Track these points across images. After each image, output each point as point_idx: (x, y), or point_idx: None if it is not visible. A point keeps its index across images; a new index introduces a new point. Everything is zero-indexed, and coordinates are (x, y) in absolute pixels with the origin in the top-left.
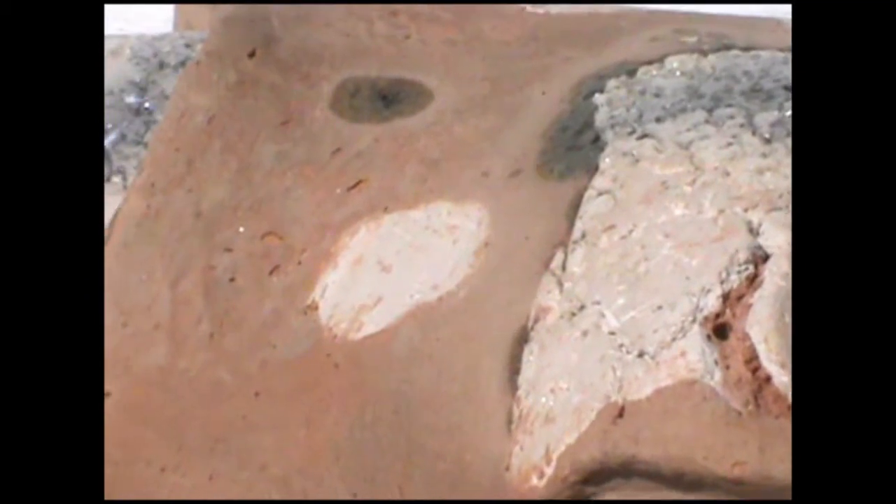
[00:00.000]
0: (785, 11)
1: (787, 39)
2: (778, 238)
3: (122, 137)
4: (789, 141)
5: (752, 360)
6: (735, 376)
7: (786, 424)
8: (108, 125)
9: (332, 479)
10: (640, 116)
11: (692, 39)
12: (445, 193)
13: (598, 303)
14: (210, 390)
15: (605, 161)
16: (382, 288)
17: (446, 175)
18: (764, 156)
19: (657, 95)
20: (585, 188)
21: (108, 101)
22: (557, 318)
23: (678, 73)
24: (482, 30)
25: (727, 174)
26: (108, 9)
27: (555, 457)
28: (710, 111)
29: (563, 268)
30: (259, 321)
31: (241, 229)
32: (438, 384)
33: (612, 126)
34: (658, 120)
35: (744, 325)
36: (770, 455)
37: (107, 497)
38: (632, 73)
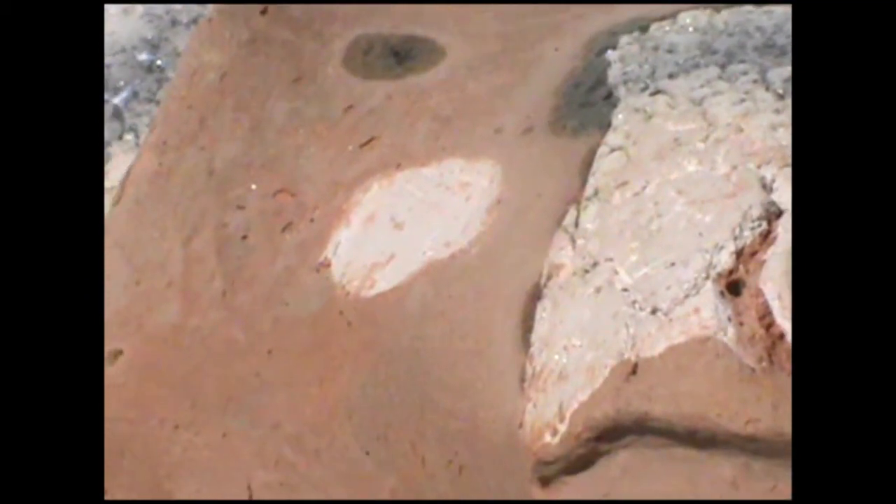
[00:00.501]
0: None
1: None
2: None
3: (135, 95)
4: None
5: (766, 317)
6: (748, 333)
7: None
8: (120, 82)
9: (344, 437)
10: (653, 72)
11: None
12: (458, 150)
13: (610, 259)
14: (223, 348)
15: (618, 117)
16: (395, 245)
17: (459, 132)
18: (777, 111)
19: (670, 51)
20: (598, 145)
21: (120, 58)
22: (570, 275)
23: (691, 28)
24: None
25: (740, 130)
26: None
27: (568, 414)
28: (722, 67)
29: (576, 224)
30: (271, 279)
31: (254, 187)
32: (451, 341)
33: (625, 82)
34: (671, 76)
35: (757, 282)
36: (783, 412)
37: (121, 454)
38: (644, 29)
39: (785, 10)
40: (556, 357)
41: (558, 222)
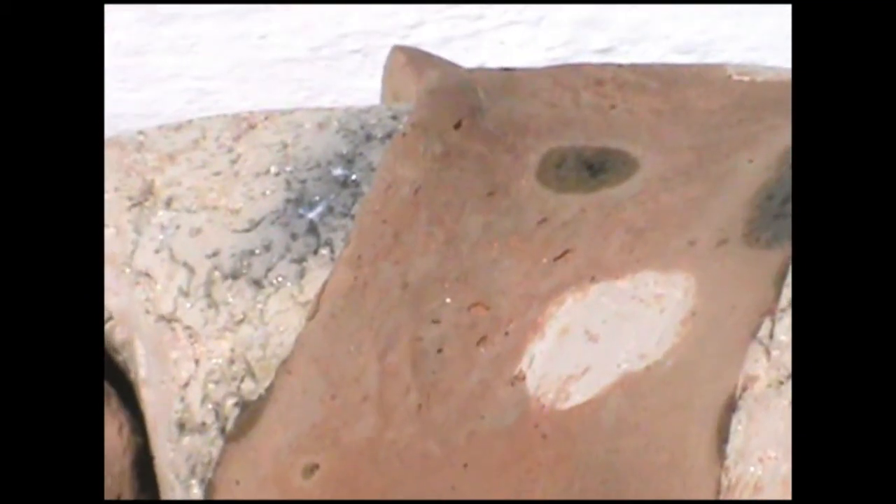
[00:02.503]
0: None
1: None
2: None
3: (330, 210)
4: None
5: None
6: None
7: None
8: (315, 197)
9: None
10: None
11: None
12: (652, 263)
13: None
14: (418, 462)
15: None
16: (589, 358)
17: (653, 244)
18: None
19: None
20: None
21: (315, 173)
22: (765, 387)
23: None
24: (688, 98)
25: None
26: (321, 82)
27: None
28: None
29: (771, 336)
30: (467, 392)
31: (449, 300)
32: (646, 454)
33: None
34: None
35: None
36: None
37: None
38: None
39: None
40: (752, 469)
41: (753, 334)
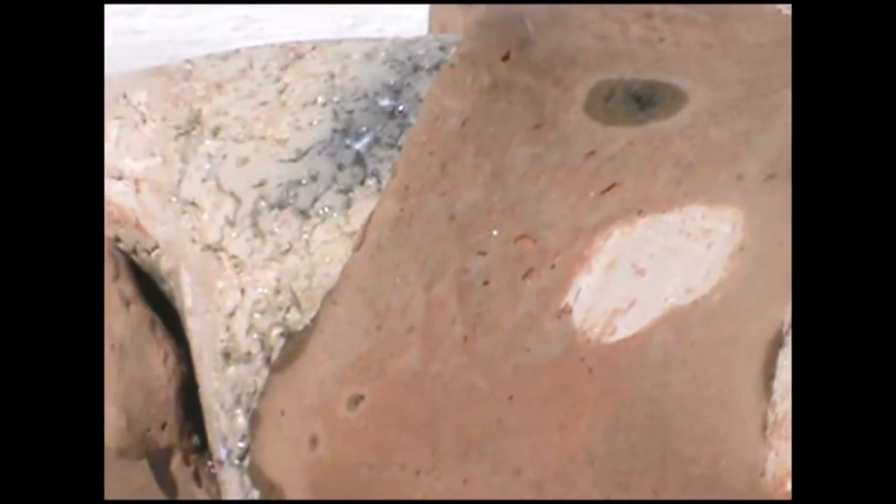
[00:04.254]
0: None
1: None
2: None
3: (377, 140)
4: None
5: None
6: None
7: None
8: (362, 128)
9: (585, 484)
10: None
11: None
12: (700, 197)
13: None
14: (464, 394)
15: None
16: (636, 291)
17: (701, 178)
18: None
19: None
20: None
21: (362, 104)
22: None
23: None
24: (737, 32)
25: None
26: (366, 9)
27: None
28: None
29: None
30: (512, 325)
31: (495, 233)
32: (693, 389)
33: None
34: None
35: None
36: None
37: (362, 499)
38: None
39: None
40: None
41: None
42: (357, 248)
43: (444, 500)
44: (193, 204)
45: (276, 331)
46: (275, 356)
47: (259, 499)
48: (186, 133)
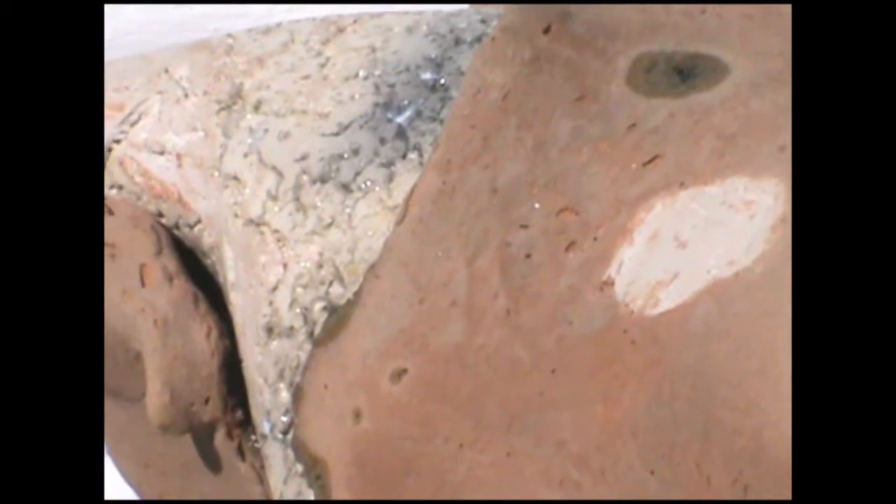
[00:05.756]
0: None
1: None
2: None
3: (418, 114)
4: None
5: None
6: None
7: None
8: (404, 101)
9: (629, 457)
10: None
11: None
12: (742, 168)
13: None
14: (507, 367)
15: None
16: (678, 264)
17: (743, 150)
18: None
19: None
20: None
21: (404, 77)
22: None
23: None
24: (777, 4)
25: None
26: None
27: None
28: None
29: None
30: (555, 297)
31: (537, 205)
32: (736, 360)
33: None
34: None
35: None
36: None
37: (406, 473)
38: None
39: None
40: None
41: None
42: (399, 222)
43: (450, 500)
44: (235, 178)
45: (319, 305)
46: (318, 330)
47: (301, 472)
48: (228, 107)
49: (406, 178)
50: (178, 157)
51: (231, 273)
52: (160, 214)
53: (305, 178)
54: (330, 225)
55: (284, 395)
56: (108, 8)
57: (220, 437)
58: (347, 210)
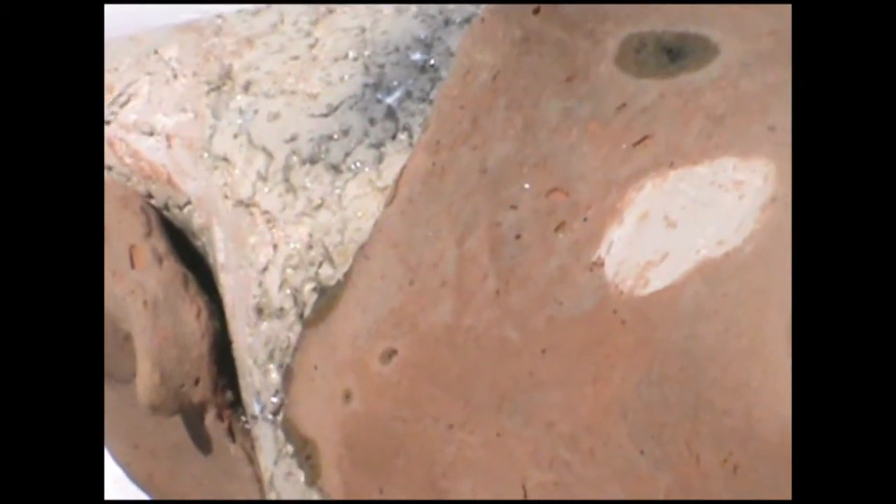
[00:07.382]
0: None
1: None
2: None
3: (408, 94)
4: None
5: None
6: None
7: None
8: (393, 82)
9: (619, 437)
10: None
11: None
12: (731, 148)
13: None
14: (496, 347)
15: None
16: (668, 244)
17: (732, 130)
18: None
19: None
20: None
21: (393, 57)
22: None
23: None
24: None
25: None
26: None
27: None
28: None
29: None
30: (545, 278)
31: (527, 186)
32: (725, 340)
33: None
34: None
35: None
36: None
37: (396, 454)
38: None
39: None
40: None
41: None
42: (389, 203)
43: (453, 500)
44: (225, 159)
45: (309, 286)
46: (308, 311)
47: (291, 452)
48: (217, 88)
49: (396, 158)
50: (168, 138)
51: (221, 254)
52: (150, 195)
53: (295, 158)
54: (320, 206)
55: (274, 376)
56: None
57: (210, 418)
58: (337, 191)
